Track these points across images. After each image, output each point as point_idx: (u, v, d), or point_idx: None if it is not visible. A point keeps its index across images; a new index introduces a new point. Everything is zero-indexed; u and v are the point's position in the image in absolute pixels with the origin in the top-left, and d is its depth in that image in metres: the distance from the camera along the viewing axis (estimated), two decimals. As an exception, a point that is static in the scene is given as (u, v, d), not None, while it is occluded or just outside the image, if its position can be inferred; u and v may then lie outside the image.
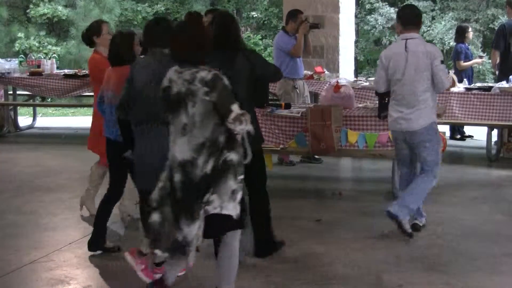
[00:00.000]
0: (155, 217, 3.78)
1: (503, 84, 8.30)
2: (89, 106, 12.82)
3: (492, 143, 8.42)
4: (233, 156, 3.72)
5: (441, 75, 5.21)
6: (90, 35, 5.83)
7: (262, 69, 4.70)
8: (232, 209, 3.70)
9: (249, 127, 3.68)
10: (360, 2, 18.59)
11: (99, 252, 5.05)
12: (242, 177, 3.76)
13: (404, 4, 5.48)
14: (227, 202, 3.69)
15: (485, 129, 8.33)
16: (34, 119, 11.47)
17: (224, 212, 3.69)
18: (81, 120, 13.17)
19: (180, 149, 3.74)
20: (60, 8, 18.70)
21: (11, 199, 6.73)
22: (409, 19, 5.43)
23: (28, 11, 19.10)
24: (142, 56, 4.75)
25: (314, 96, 8.97)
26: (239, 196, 3.74)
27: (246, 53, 4.69)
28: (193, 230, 3.69)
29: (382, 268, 4.71)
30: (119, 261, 4.95)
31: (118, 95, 4.58)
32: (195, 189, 3.69)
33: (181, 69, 3.76)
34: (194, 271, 4.47)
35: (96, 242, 5.06)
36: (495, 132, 8.48)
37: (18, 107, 11.38)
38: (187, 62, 3.77)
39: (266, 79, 4.94)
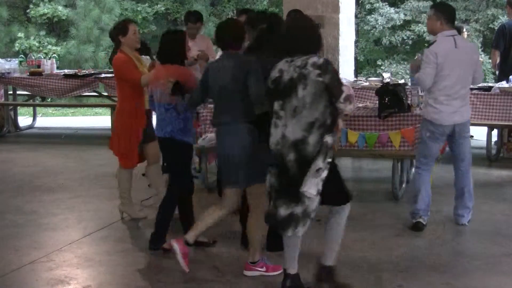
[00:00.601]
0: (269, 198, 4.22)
1: (503, 84, 8.29)
2: (89, 106, 12.88)
3: (492, 143, 8.42)
4: (328, 139, 4.03)
5: (481, 69, 5.57)
6: (116, 34, 5.78)
7: None
8: (311, 186, 3.96)
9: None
10: (360, 2, 18.56)
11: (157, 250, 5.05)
12: (330, 160, 4.02)
13: (439, 1, 5.50)
14: (310, 178, 3.96)
15: (485, 129, 8.33)
16: (34, 119, 11.47)
17: (303, 188, 3.97)
18: (81, 120, 13.18)
19: (292, 129, 4.05)
20: (60, 8, 18.68)
21: (11, 199, 6.73)
22: (453, 16, 5.54)
23: (28, 11, 19.07)
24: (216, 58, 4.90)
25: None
26: (323, 174, 3.98)
27: None
28: (315, 202, 4.03)
29: (382, 268, 4.71)
30: (119, 261, 4.96)
31: (167, 93, 4.77)
32: (309, 165, 3.99)
33: (291, 58, 4.10)
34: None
35: (156, 242, 5.05)
36: (495, 132, 8.48)
37: (18, 107, 11.38)
38: (299, 53, 4.09)
39: None
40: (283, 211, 4.10)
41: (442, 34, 5.41)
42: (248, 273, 4.59)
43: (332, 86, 4.02)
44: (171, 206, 5.13)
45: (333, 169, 4.10)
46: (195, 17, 7.82)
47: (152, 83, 5.09)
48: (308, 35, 4.16)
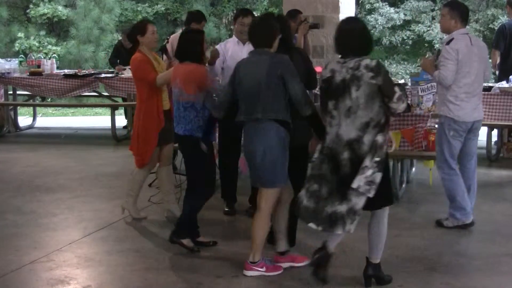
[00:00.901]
0: (309, 195, 4.26)
1: (503, 84, 8.29)
2: (89, 106, 12.88)
3: (492, 143, 8.42)
4: (379, 138, 4.15)
5: (489, 67, 5.77)
6: (135, 35, 5.76)
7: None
8: (355, 182, 4.09)
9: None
10: (360, 2, 18.58)
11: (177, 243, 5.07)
12: (378, 159, 4.11)
13: (451, 0, 5.49)
14: (358, 175, 4.09)
15: (485, 129, 8.33)
16: (34, 119, 11.47)
17: (352, 185, 4.11)
18: (81, 120, 13.18)
19: (346, 129, 4.17)
20: (60, 8, 18.68)
21: (11, 199, 6.73)
22: (467, 14, 5.58)
23: (28, 11, 19.07)
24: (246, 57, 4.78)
25: (314, 96, 8.96)
26: (369, 172, 4.09)
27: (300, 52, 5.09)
28: (362, 201, 4.13)
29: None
30: (119, 261, 4.96)
31: (186, 91, 4.85)
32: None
33: (344, 60, 4.22)
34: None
35: (177, 235, 5.07)
36: (495, 132, 8.48)
37: (18, 107, 11.38)
38: (351, 55, 4.21)
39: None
40: (329, 209, 4.19)
41: (458, 32, 5.43)
42: (248, 273, 4.59)
43: (385, 87, 4.15)
44: (198, 201, 5.10)
45: (384, 170, 4.18)
46: (199, 17, 7.84)
47: (170, 82, 5.13)
48: (360, 37, 4.28)
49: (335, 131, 4.22)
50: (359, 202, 4.14)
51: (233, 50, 6.15)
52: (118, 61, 10.33)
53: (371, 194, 4.11)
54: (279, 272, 4.58)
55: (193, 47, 5.00)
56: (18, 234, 5.60)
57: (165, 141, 5.73)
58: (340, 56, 4.30)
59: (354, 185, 4.09)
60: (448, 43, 5.43)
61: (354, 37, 4.26)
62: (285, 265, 4.68)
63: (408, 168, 7.00)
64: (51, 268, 4.80)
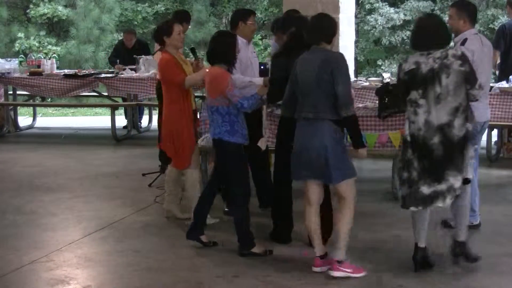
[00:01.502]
0: (401, 184, 4.63)
1: (503, 84, 8.29)
2: (89, 106, 12.88)
3: (492, 143, 8.42)
4: (469, 126, 4.54)
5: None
6: (161, 36, 5.70)
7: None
8: (468, 172, 4.55)
9: None
10: (360, 2, 18.56)
11: (196, 242, 5.11)
12: (476, 146, 4.57)
13: (458, 0, 5.49)
14: (468, 166, 4.54)
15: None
16: (34, 119, 11.46)
17: (467, 176, 4.54)
18: (81, 120, 13.18)
19: (436, 115, 4.46)
20: (60, 8, 18.68)
21: (11, 199, 6.73)
22: (476, 14, 5.64)
23: (28, 11, 19.07)
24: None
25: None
26: (473, 161, 4.62)
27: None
28: (459, 179, 4.49)
29: (382, 268, 4.71)
30: (119, 261, 4.96)
31: (210, 96, 4.93)
32: (454, 147, 4.47)
33: (428, 52, 4.51)
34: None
35: (194, 232, 5.10)
36: (495, 132, 8.48)
37: (18, 107, 11.38)
38: (435, 47, 4.52)
39: None
40: (426, 190, 4.50)
41: (470, 33, 5.39)
42: (335, 273, 4.52)
43: (469, 75, 4.50)
44: (240, 208, 5.03)
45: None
46: (190, 17, 7.90)
47: (199, 84, 5.17)
48: (442, 30, 4.62)
49: (424, 118, 4.48)
50: (457, 181, 4.49)
51: (244, 51, 6.11)
52: (118, 60, 10.33)
53: (469, 176, 4.56)
54: (363, 274, 4.56)
55: (224, 51, 4.97)
56: (18, 234, 5.59)
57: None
58: (418, 49, 4.57)
59: (470, 175, 4.57)
60: (463, 43, 5.35)
61: (437, 30, 4.57)
62: (342, 274, 4.54)
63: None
64: (51, 268, 4.80)
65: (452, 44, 5.40)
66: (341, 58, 4.54)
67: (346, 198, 4.57)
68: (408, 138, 4.56)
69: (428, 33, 4.58)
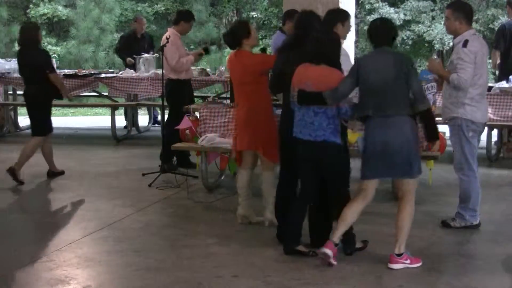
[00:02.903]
0: None
1: (503, 84, 8.29)
2: (89, 106, 12.87)
3: (492, 143, 8.42)
4: None
5: None
6: (239, 38, 5.50)
7: None
8: None
9: None
10: (360, 2, 18.57)
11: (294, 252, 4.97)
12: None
13: (453, 1, 5.53)
14: None
15: (485, 129, 8.31)
16: (34, 119, 11.45)
17: None
18: (81, 120, 13.19)
19: None
20: (60, 8, 18.70)
21: (11, 199, 6.73)
22: (472, 15, 5.67)
23: (28, 11, 19.09)
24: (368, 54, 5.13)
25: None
26: None
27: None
28: None
29: (382, 268, 4.71)
30: (119, 261, 4.96)
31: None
32: None
33: None
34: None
35: (291, 243, 4.99)
36: (495, 132, 8.48)
37: (18, 107, 11.38)
38: None
39: None
40: None
41: (469, 33, 5.42)
42: (394, 266, 4.68)
43: None
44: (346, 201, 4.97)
45: None
46: (194, 17, 7.96)
47: (295, 84, 4.93)
48: None
49: None
50: None
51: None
52: (128, 59, 10.40)
53: None
54: (420, 264, 4.71)
55: (332, 50, 4.91)
56: (19, 233, 5.59)
57: None
58: None
59: None
60: (464, 45, 5.35)
61: None
62: (400, 266, 4.68)
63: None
64: (51, 268, 4.80)
65: (451, 44, 5.43)
66: (408, 58, 4.87)
67: (409, 194, 4.75)
68: None
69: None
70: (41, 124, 7.44)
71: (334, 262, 4.69)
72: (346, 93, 4.79)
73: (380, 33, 4.82)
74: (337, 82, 4.77)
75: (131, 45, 10.59)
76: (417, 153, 4.75)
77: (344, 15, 5.61)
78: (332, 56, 4.89)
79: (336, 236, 4.75)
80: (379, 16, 18.42)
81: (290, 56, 5.07)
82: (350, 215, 4.78)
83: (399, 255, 4.69)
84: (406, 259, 4.70)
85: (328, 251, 4.68)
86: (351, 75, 4.80)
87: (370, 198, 4.84)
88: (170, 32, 7.56)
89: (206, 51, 7.30)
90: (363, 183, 4.80)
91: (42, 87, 7.28)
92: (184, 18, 7.73)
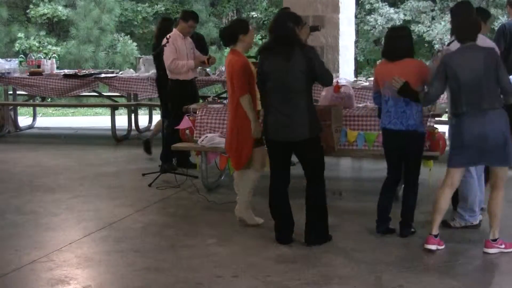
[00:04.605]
0: None
1: (503, 84, 8.29)
2: (89, 106, 12.87)
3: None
4: None
5: None
6: (236, 33, 5.44)
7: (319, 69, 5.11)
8: None
9: None
10: (360, 2, 18.56)
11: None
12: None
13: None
14: None
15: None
16: (34, 119, 11.48)
17: None
18: (81, 120, 13.19)
19: None
20: (60, 8, 18.69)
21: (11, 199, 6.73)
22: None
23: (28, 11, 19.08)
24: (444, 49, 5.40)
25: (314, 96, 8.95)
26: None
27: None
28: None
29: (382, 268, 4.71)
30: (119, 261, 4.96)
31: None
32: None
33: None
34: None
35: (382, 223, 5.42)
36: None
37: (18, 107, 11.39)
38: None
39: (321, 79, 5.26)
40: None
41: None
42: (489, 250, 4.91)
43: None
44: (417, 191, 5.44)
45: None
46: (197, 17, 7.91)
47: (379, 81, 5.31)
48: None
49: None
50: None
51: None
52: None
53: None
54: None
55: (404, 44, 5.20)
56: (18, 234, 5.60)
57: (260, 143, 5.55)
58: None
59: None
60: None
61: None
62: (496, 250, 4.93)
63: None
64: (51, 268, 4.80)
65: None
66: (497, 53, 5.03)
67: (502, 181, 4.96)
68: None
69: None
70: None
71: (442, 246, 5.03)
72: (437, 95, 5.06)
73: (470, 28, 4.94)
74: (427, 70, 5.17)
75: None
76: (510, 142, 4.90)
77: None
78: (406, 50, 5.19)
79: (434, 228, 4.99)
80: (378, 16, 18.42)
81: (270, 57, 5.08)
82: (444, 203, 5.03)
83: (494, 240, 4.91)
84: (501, 244, 4.92)
85: (431, 246, 4.97)
86: (439, 77, 4.94)
87: (457, 185, 5.09)
88: (173, 32, 7.54)
89: (208, 61, 7.34)
90: (450, 171, 5.01)
91: None
92: (182, 17, 7.71)
